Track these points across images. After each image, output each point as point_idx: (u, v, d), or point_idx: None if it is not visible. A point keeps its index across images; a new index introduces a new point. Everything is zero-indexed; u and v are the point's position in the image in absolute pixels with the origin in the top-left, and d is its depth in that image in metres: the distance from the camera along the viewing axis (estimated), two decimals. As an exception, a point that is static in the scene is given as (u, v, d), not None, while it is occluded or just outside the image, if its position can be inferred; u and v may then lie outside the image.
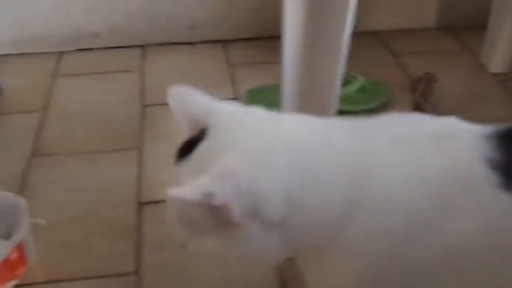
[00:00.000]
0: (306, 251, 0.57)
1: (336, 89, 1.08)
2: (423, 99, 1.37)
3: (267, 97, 1.34)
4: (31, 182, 1.20)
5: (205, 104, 0.60)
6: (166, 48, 1.70)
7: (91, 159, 1.26)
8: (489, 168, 0.51)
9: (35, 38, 1.67)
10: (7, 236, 0.92)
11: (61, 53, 1.69)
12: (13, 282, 0.92)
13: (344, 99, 1.22)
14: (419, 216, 0.51)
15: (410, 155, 0.54)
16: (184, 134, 0.61)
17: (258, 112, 0.60)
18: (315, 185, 0.53)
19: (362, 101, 1.39)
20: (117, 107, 1.44)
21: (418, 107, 1.35)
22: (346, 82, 1.32)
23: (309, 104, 1.07)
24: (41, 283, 0.95)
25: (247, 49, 1.69)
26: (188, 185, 0.49)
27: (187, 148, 0.57)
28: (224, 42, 1.71)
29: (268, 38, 1.68)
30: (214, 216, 0.50)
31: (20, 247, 0.91)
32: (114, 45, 1.70)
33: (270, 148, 0.54)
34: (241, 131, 0.56)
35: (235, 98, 1.46)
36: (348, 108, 1.32)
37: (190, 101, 0.60)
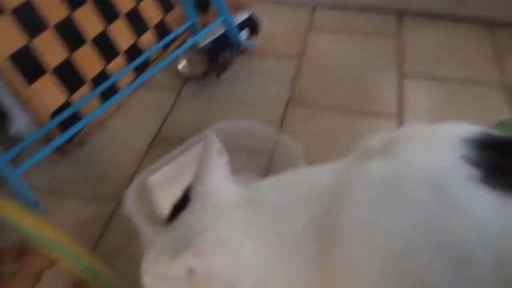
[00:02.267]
0: None
1: None
2: None
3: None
4: (289, 128, 1.18)
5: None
6: (424, 19, 1.58)
7: (350, 117, 1.22)
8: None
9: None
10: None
11: (314, 7, 1.66)
12: None
13: None
14: None
15: None
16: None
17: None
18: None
19: None
20: (373, 71, 1.38)
21: None
22: None
23: None
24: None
25: (516, 36, 1.52)
26: (171, 261, 0.50)
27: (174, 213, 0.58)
28: (490, 24, 1.56)
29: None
30: None
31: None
32: (369, 8, 1.63)
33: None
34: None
35: (503, 88, 1.31)
36: None
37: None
